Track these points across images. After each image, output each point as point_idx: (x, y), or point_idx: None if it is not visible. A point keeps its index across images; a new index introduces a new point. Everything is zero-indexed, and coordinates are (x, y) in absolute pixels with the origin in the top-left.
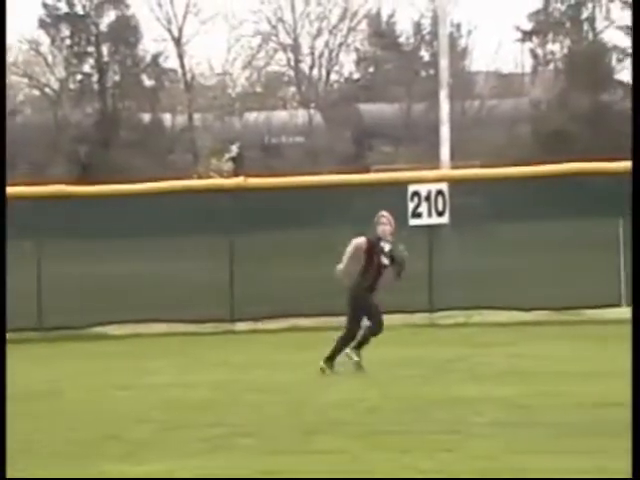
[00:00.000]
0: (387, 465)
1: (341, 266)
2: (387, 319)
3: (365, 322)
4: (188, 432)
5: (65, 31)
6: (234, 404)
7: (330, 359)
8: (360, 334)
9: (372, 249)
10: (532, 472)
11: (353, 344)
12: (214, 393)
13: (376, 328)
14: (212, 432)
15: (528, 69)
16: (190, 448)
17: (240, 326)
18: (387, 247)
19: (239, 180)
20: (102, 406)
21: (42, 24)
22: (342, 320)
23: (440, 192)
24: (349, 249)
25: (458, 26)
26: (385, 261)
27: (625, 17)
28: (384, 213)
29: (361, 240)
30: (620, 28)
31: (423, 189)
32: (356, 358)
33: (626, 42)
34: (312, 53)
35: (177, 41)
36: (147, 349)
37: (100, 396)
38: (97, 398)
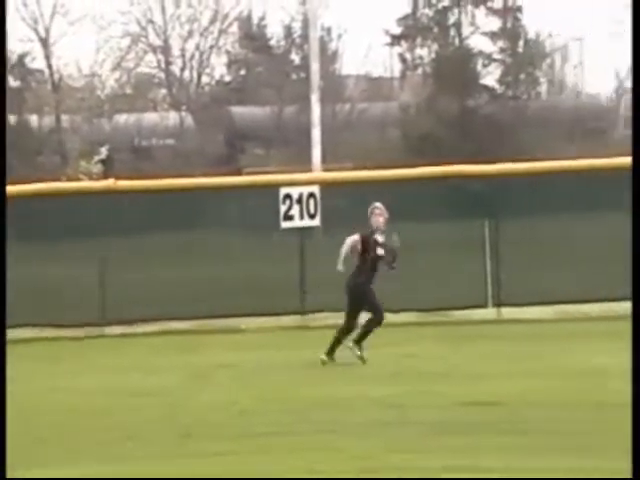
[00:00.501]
0: (275, 467)
1: (340, 266)
2: (259, 322)
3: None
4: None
5: None
6: (108, 409)
7: (330, 352)
8: (361, 327)
9: (366, 243)
10: (409, 471)
11: (355, 338)
12: (88, 398)
13: (377, 318)
14: (89, 437)
15: (397, 73)
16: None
17: (112, 330)
18: (381, 238)
19: (109, 182)
20: None
21: None
22: (218, 322)
23: (312, 195)
24: (344, 249)
25: (328, 30)
26: (380, 252)
27: (490, 23)
28: (377, 204)
29: (355, 237)
30: (485, 34)
31: (295, 192)
32: (358, 352)
33: (490, 47)
34: (183, 55)
35: (44, 42)
36: (15, 354)
37: None
38: None
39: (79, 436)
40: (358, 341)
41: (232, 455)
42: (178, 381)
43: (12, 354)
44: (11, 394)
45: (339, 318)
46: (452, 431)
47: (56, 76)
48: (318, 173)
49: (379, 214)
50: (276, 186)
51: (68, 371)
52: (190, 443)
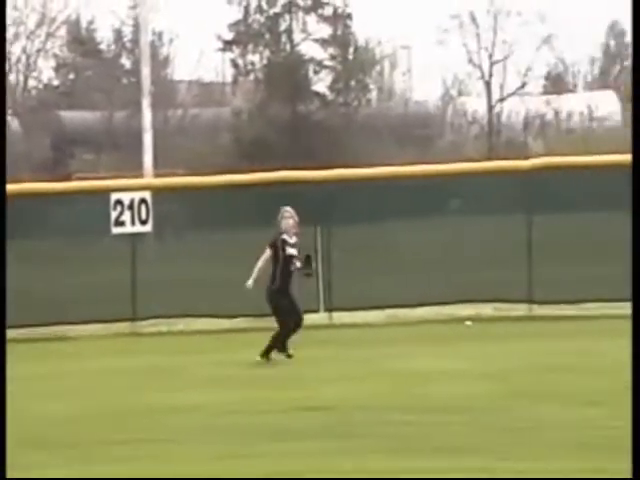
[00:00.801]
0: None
1: (250, 282)
2: (89, 329)
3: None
4: None
5: None
6: None
7: (267, 353)
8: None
9: (276, 247)
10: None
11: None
12: None
13: (295, 324)
14: None
15: (229, 79)
16: None
17: None
18: (293, 239)
19: None
20: None
21: None
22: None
23: (143, 200)
24: (259, 264)
25: (160, 34)
26: (291, 251)
27: (321, 30)
28: (287, 208)
29: (267, 252)
30: (316, 41)
31: (126, 197)
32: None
33: (322, 54)
34: (9, 59)
35: None
36: None
37: None
38: None
39: None
40: (271, 350)
41: (53, 467)
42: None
43: None
44: None
45: (171, 324)
46: (281, 437)
47: None
48: (150, 179)
49: (289, 217)
50: (107, 192)
51: None
52: (27, 453)
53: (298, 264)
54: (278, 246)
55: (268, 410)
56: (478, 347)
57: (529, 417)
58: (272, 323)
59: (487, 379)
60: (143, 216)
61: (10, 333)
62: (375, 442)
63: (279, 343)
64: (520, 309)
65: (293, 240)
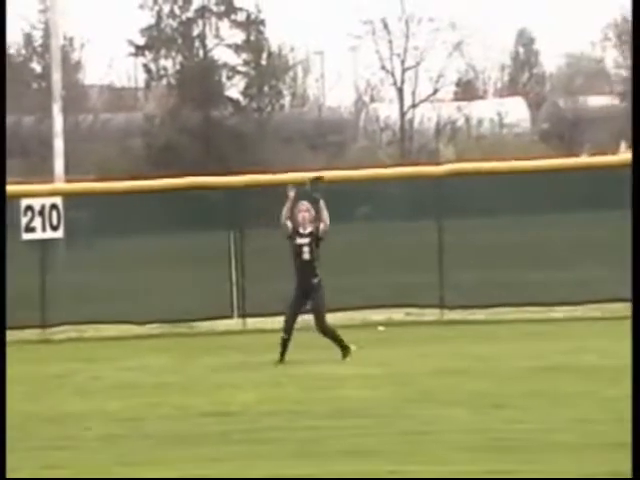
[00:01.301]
0: None
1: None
2: None
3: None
4: None
5: None
6: None
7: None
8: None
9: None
10: None
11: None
12: None
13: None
14: None
15: (142, 84)
16: None
17: None
18: (307, 230)
19: None
20: None
21: None
22: None
23: (54, 206)
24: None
25: (71, 39)
26: (301, 241)
27: (234, 36)
28: (303, 202)
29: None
30: (229, 46)
31: (37, 203)
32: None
33: (235, 60)
34: None
35: None
36: None
37: None
38: None
39: None
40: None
41: None
42: None
43: None
44: None
45: (81, 331)
46: (188, 442)
47: None
48: (61, 184)
49: (304, 210)
50: (17, 197)
51: None
52: None
53: (307, 255)
54: (293, 235)
55: (176, 416)
56: (389, 352)
57: (435, 420)
58: (184, 329)
59: (396, 383)
60: (54, 222)
61: None
62: (285, 447)
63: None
64: (432, 314)
65: (307, 231)
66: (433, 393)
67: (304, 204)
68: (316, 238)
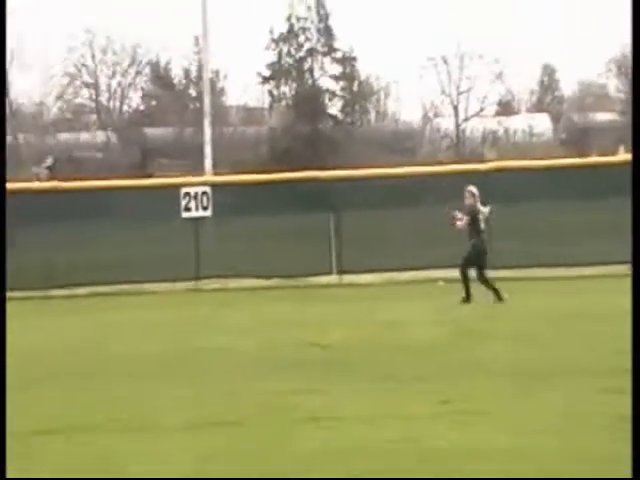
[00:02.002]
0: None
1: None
2: (165, 287)
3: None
4: None
5: None
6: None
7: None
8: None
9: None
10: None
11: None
12: None
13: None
14: None
15: (267, 105)
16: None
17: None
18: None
19: (55, 183)
20: None
21: None
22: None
23: (205, 193)
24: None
25: (217, 72)
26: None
27: (334, 69)
28: (468, 188)
29: (465, 219)
30: (331, 77)
31: (192, 190)
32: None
33: (334, 86)
34: (109, 90)
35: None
36: None
37: None
38: None
39: None
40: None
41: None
42: (93, 335)
43: None
44: None
45: (224, 283)
46: (300, 365)
47: (14, 105)
48: (209, 177)
49: (468, 196)
50: (178, 186)
51: None
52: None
53: (458, 223)
54: (473, 211)
55: (294, 345)
56: (442, 301)
57: (481, 353)
58: (296, 282)
59: (443, 325)
60: (205, 204)
61: (109, 288)
62: (368, 370)
63: (491, 283)
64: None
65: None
66: (472, 330)
67: (468, 190)
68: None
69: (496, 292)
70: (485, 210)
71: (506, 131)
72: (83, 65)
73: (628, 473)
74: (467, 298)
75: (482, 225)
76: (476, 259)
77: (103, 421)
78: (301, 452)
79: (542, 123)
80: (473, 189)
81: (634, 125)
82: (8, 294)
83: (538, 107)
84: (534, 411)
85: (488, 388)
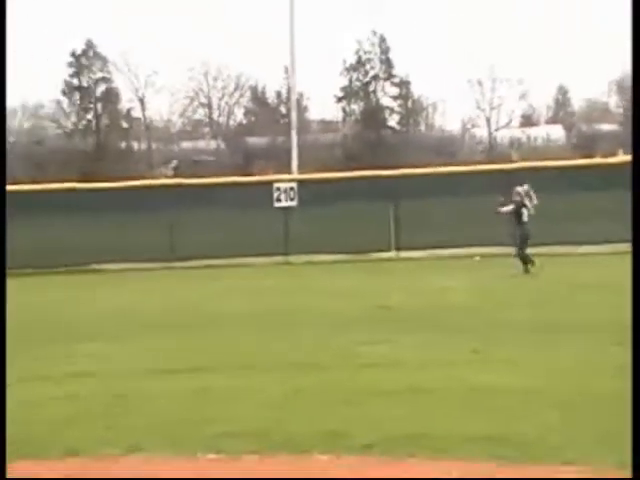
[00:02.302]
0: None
1: (503, 209)
2: (263, 260)
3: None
4: None
5: (76, 95)
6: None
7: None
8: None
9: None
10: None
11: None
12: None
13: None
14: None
15: (340, 118)
16: None
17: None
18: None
19: (179, 180)
20: None
21: (63, 92)
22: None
23: (292, 188)
24: (505, 209)
25: (301, 94)
26: (518, 209)
27: (392, 90)
28: (516, 189)
29: (510, 207)
30: (391, 97)
31: (282, 185)
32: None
33: (393, 104)
34: (219, 108)
35: (142, 101)
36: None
37: None
38: None
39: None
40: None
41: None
42: (207, 297)
43: None
44: None
45: (309, 257)
46: (371, 321)
47: (148, 121)
48: (295, 175)
49: (515, 194)
50: (271, 183)
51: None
52: (205, 331)
53: (502, 209)
54: (519, 205)
55: (362, 308)
56: (478, 272)
57: (509, 316)
58: (360, 257)
59: (478, 291)
60: (292, 196)
61: (219, 261)
62: (417, 325)
63: (527, 258)
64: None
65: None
66: (509, 296)
67: (516, 190)
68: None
69: (527, 265)
70: (530, 207)
71: (528, 138)
72: (200, 89)
73: (625, 408)
74: (528, 268)
75: (525, 218)
76: (523, 242)
77: (209, 362)
78: (367, 389)
79: (557, 132)
80: (519, 189)
81: (634, 126)
82: (143, 265)
83: (554, 119)
84: (550, 359)
85: (512, 341)
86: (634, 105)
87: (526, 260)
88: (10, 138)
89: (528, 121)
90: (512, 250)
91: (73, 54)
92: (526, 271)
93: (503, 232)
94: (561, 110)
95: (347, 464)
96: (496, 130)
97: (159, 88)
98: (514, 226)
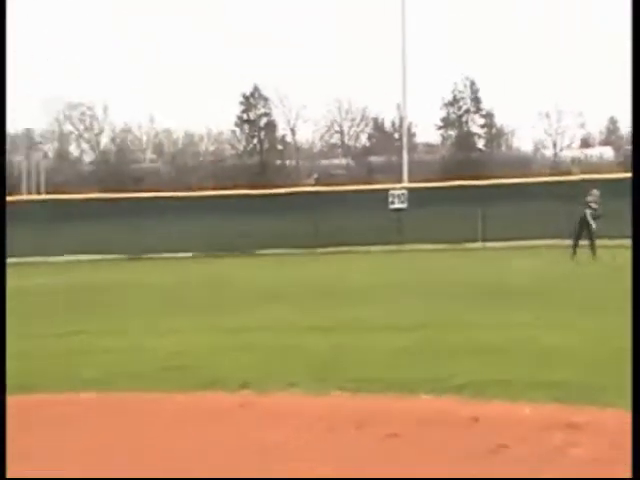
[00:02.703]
0: None
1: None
2: (380, 248)
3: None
4: None
5: (246, 126)
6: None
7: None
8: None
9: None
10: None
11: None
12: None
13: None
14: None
15: (439, 142)
16: None
17: None
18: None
19: (320, 188)
20: None
21: (236, 124)
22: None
23: (403, 193)
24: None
25: (410, 123)
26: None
27: (480, 120)
28: (593, 191)
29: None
30: (479, 125)
31: (395, 192)
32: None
33: (480, 131)
34: (348, 134)
35: (293, 131)
36: None
37: None
38: None
39: None
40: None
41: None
42: (338, 274)
43: None
44: None
45: (416, 246)
46: (466, 295)
47: (297, 144)
48: (405, 184)
49: (589, 195)
50: (388, 190)
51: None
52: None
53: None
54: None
55: (454, 283)
56: (545, 258)
57: (561, 291)
58: (457, 246)
59: (545, 272)
60: (402, 200)
61: (346, 248)
62: (498, 298)
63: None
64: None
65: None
66: (570, 276)
67: (591, 192)
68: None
69: (594, 252)
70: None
71: (586, 157)
72: (335, 120)
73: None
74: (594, 254)
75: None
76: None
77: (334, 324)
78: (464, 346)
79: (608, 152)
80: (596, 191)
81: (634, 125)
82: (291, 250)
83: (606, 142)
84: (587, 325)
85: (563, 311)
86: (634, 109)
87: (593, 250)
88: (200, 158)
89: (586, 143)
90: (584, 242)
91: (244, 95)
92: (593, 258)
93: (564, 228)
94: (612, 135)
95: (445, 402)
96: (560, 150)
97: (306, 119)
98: (585, 224)
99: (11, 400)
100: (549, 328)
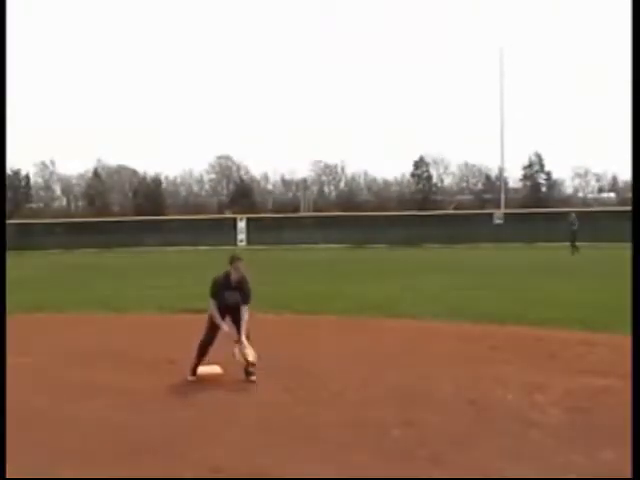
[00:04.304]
0: None
1: None
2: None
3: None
4: None
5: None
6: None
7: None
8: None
9: None
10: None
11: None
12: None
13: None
14: None
15: (522, 185)
16: None
17: None
18: None
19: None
20: None
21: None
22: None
23: (501, 216)
24: None
25: (505, 176)
26: None
27: (543, 177)
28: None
29: None
30: (544, 178)
31: (497, 213)
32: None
33: (544, 180)
34: (442, 186)
35: (441, 179)
36: None
37: None
38: None
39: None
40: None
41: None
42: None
43: None
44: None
45: (509, 245)
46: (543, 268)
47: (446, 187)
48: (502, 210)
49: (569, 216)
50: (492, 213)
51: None
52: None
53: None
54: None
55: (520, 265)
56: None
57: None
58: (536, 245)
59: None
60: (500, 217)
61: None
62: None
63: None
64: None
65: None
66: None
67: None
68: None
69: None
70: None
71: (601, 197)
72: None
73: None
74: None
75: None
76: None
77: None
78: (529, 297)
79: (612, 196)
80: (573, 214)
81: (634, 126)
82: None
83: (610, 190)
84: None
85: (586, 277)
86: (634, 112)
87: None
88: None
89: (603, 191)
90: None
91: (416, 162)
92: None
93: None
94: (614, 185)
95: (521, 329)
96: (590, 194)
97: (448, 173)
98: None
99: None
100: (578, 288)
